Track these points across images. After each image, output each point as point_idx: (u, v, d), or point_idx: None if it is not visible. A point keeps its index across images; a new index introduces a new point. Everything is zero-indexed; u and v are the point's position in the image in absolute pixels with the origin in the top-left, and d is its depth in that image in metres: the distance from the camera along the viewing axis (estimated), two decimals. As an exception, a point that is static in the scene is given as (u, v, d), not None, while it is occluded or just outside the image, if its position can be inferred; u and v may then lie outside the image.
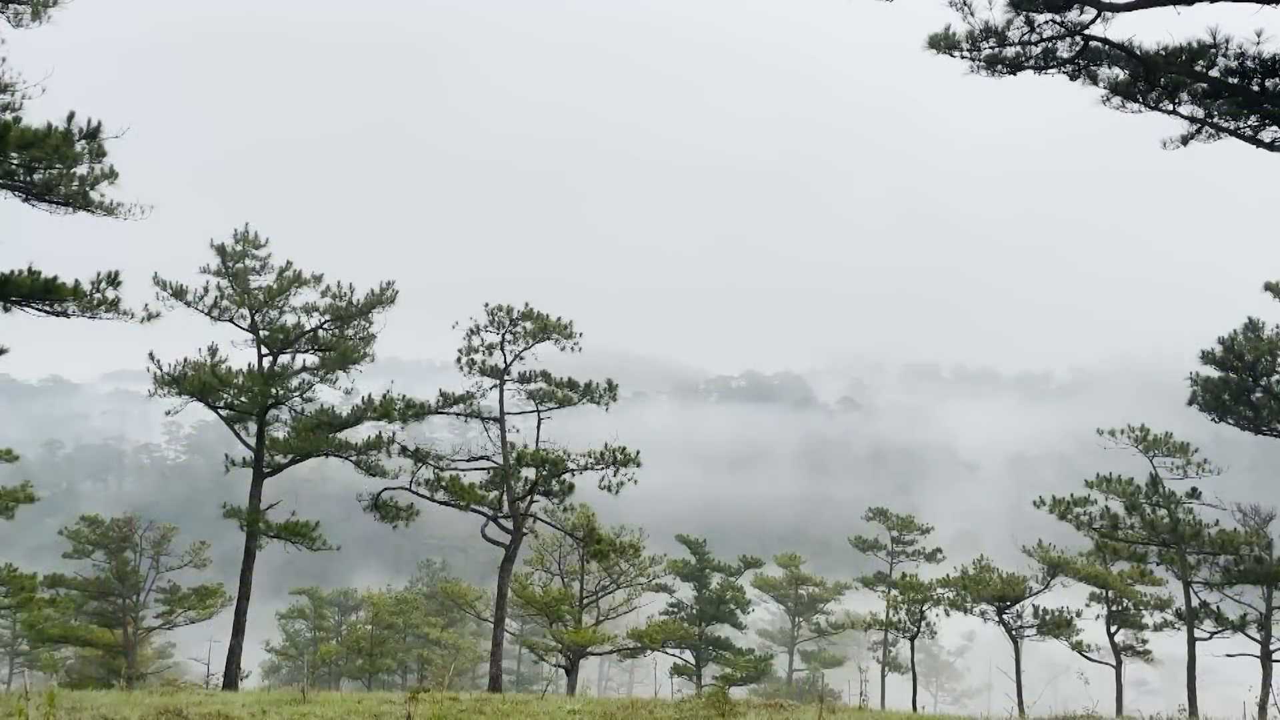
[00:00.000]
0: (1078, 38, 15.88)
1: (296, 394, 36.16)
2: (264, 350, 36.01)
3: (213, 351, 34.99)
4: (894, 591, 52.42)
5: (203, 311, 34.95)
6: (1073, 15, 15.61)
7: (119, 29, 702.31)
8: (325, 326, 36.26)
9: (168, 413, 37.23)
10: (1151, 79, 15.98)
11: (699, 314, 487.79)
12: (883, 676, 61.54)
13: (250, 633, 36.91)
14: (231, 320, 35.59)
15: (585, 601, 48.95)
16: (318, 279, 36.16)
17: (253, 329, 35.77)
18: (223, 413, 35.97)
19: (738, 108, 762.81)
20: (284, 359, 36.38)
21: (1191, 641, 38.89)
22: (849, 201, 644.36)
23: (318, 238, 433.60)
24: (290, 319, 36.16)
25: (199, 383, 34.02)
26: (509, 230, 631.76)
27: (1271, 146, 16.14)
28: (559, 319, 36.86)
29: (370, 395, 36.17)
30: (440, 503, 37.41)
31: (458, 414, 38.11)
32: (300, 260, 36.36)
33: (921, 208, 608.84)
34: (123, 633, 50.39)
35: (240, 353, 35.86)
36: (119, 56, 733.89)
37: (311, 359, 36.36)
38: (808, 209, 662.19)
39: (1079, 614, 44.02)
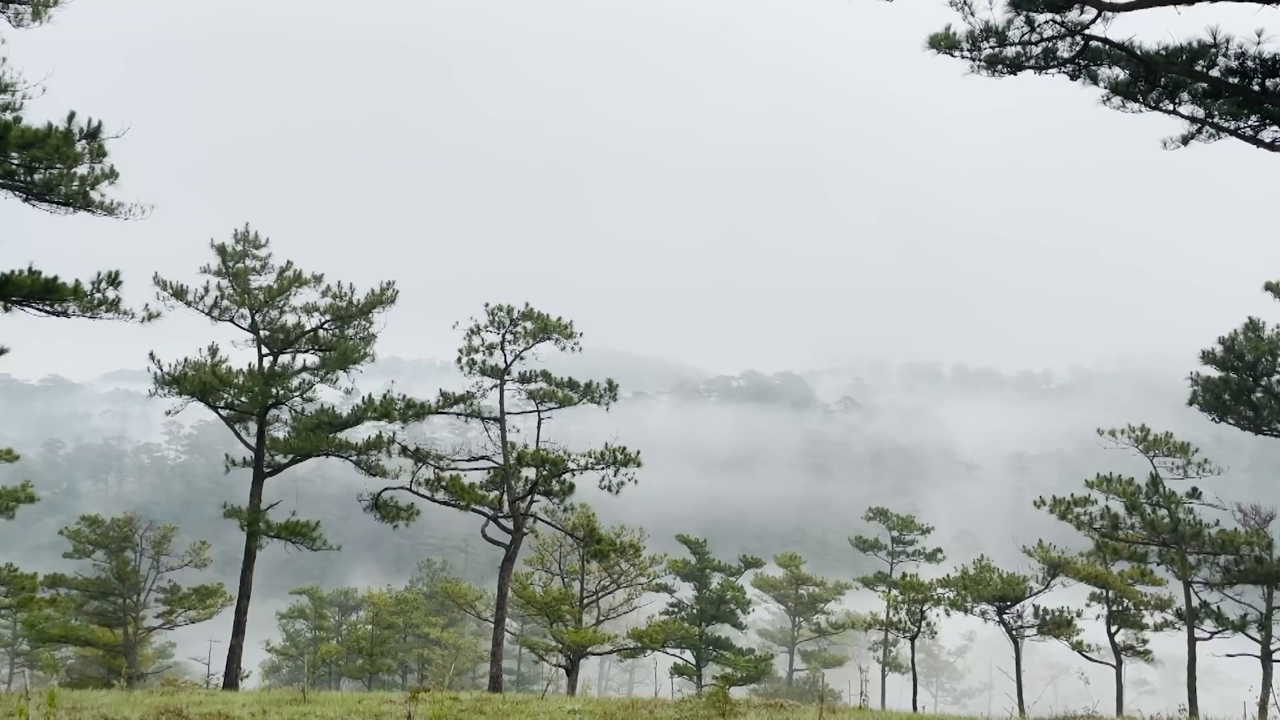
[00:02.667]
0: (1078, 37, 15.89)
1: (297, 394, 36.18)
2: (264, 350, 36.03)
3: (213, 351, 35.00)
4: (894, 591, 52.46)
5: (203, 311, 34.96)
6: (1073, 15, 15.62)
7: (121, 29, 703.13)
8: (325, 326, 36.28)
9: (168, 413, 37.29)
10: (1152, 79, 15.98)
11: (699, 314, 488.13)
12: (883, 676, 61.58)
13: (250, 632, 36.94)
14: (232, 320, 35.61)
15: (585, 601, 48.98)
16: (318, 279, 36.18)
17: (253, 329, 35.79)
18: (223, 413, 35.99)
19: (738, 107, 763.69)
20: (284, 359, 36.40)
21: (1192, 641, 38.91)
22: (849, 201, 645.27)
23: (318, 237, 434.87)
24: (290, 319, 36.20)
25: (199, 382, 34.03)
26: (509, 230, 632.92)
27: (1272, 146, 16.14)
28: (559, 319, 36.88)
29: (370, 395, 36.19)
30: (440, 503, 37.43)
31: (458, 414, 38.12)
32: (301, 260, 36.41)
33: (921, 207, 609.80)
34: (123, 632, 50.43)
35: (240, 352, 35.90)
36: (122, 56, 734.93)
37: (312, 359, 36.38)
38: (808, 209, 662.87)
39: (1079, 614, 44.05)
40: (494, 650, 37.61)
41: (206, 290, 34.91)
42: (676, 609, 57.55)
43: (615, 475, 37.03)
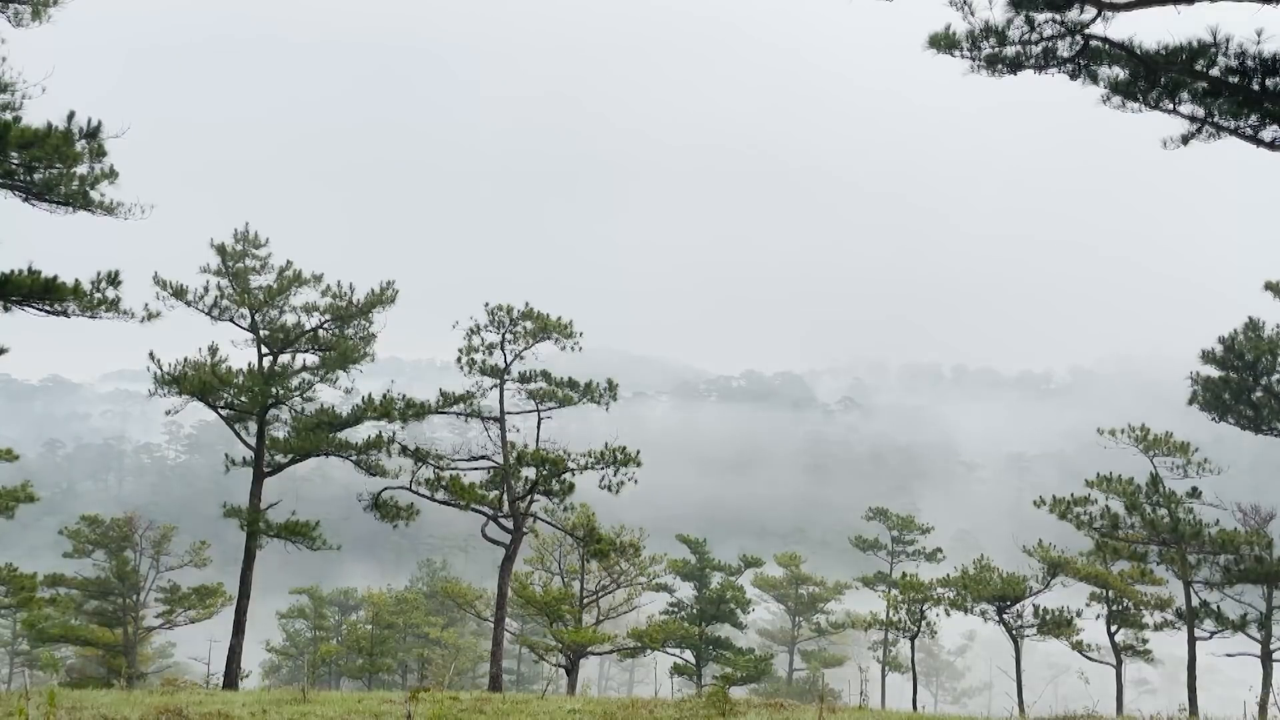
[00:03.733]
0: (1078, 37, 15.88)
1: (296, 394, 36.17)
2: (264, 350, 36.03)
3: (213, 351, 35.01)
4: (894, 591, 52.43)
5: (203, 311, 34.96)
6: (1073, 14, 15.61)
7: (121, 28, 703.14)
8: (325, 326, 36.28)
9: (168, 412, 37.28)
10: (1152, 78, 15.97)
11: (699, 314, 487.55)
12: (883, 676, 61.58)
13: (250, 632, 36.96)
14: (231, 320, 35.62)
15: (585, 601, 48.98)
16: (318, 278, 36.18)
17: (253, 328, 35.79)
18: (223, 412, 35.99)
19: (737, 105, 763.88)
20: (284, 358, 36.40)
21: (1192, 641, 38.87)
22: (849, 201, 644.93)
23: (318, 236, 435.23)
24: (290, 319, 36.21)
25: (199, 382, 34.03)
26: (509, 230, 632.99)
27: (1272, 145, 16.12)
28: (559, 318, 36.87)
29: (370, 395, 36.19)
30: (440, 502, 37.43)
31: (458, 414, 38.11)
32: (301, 259, 36.40)
33: (920, 206, 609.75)
34: (123, 632, 50.44)
35: (240, 352, 35.90)
36: (123, 55, 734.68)
37: (311, 358, 36.39)
38: (808, 208, 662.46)
39: (1079, 614, 43.99)
40: (494, 650, 37.61)
41: (206, 290, 34.92)
42: (676, 609, 57.52)
43: (615, 475, 37.03)
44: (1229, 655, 38.79)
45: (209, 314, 35.08)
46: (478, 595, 60.88)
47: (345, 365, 35.74)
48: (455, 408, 37.31)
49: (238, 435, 36.92)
